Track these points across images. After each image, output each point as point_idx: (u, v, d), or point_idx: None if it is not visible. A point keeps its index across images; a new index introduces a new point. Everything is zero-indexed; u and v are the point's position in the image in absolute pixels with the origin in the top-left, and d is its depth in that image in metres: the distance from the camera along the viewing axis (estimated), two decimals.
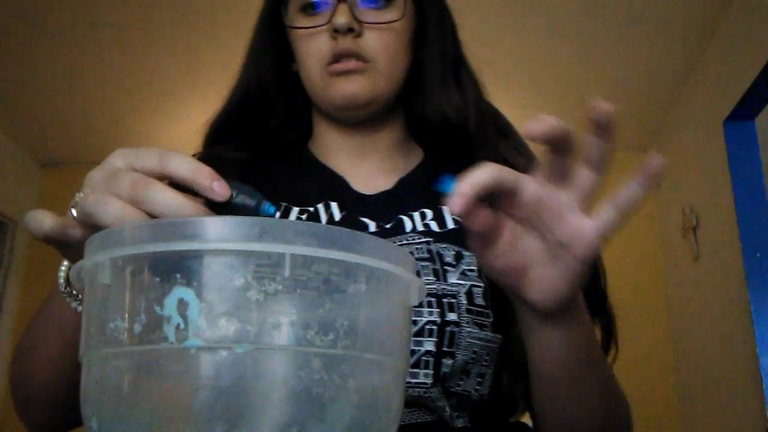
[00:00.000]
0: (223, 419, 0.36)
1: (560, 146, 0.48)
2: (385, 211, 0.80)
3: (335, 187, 0.83)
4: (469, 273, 0.74)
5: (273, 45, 0.86)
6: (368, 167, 0.86)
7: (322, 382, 0.36)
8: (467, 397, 0.71)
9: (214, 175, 0.45)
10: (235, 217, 0.37)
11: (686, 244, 3.29)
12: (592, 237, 0.50)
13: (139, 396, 0.38)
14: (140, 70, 3.21)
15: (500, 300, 0.73)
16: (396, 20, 0.80)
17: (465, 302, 0.71)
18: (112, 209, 0.43)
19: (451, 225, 0.79)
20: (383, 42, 0.79)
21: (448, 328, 0.69)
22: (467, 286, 0.72)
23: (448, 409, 0.70)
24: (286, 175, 0.86)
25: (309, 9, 0.81)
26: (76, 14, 2.83)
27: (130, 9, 2.81)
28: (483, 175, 0.48)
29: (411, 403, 0.69)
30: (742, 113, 2.75)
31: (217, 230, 0.37)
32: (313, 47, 0.80)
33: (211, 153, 0.87)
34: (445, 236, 0.77)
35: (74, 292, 0.56)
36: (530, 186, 0.50)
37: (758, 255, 2.63)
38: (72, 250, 0.48)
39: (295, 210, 0.79)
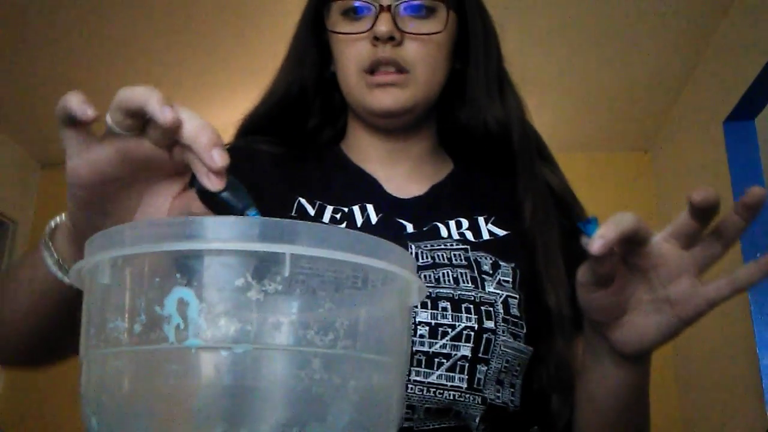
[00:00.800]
0: (223, 419, 0.36)
1: (705, 216, 0.53)
2: (420, 215, 0.81)
3: (370, 189, 0.84)
4: (504, 283, 0.75)
5: (314, 47, 0.87)
6: (400, 172, 0.87)
7: (322, 382, 0.37)
8: (505, 409, 0.72)
9: (217, 142, 0.43)
10: (235, 217, 0.37)
11: None
12: (703, 304, 0.54)
13: (139, 396, 0.38)
14: (141, 71, 3.21)
15: (533, 312, 0.75)
16: (438, 32, 0.79)
17: (501, 311, 0.72)
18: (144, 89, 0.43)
19: (486, 236, 0.80)
20: (423, 52, 0.79)
21: (485, 335, 0.70)
22: (503, 296, 0.73)
23: (477, 419, 0.70)
24: (319, 173, 0.86)
25: (351, 13, 0.81)
26: (76, 15, 2.83)
27: (132, 10, 2.81)
28: (627, 222, 0.51)
29: (441, 410, 0.69)
30: (742, 113, 2.75)
31: (217, 230, 0.37)
32: (353, 52, 0.80)
33: (242, 144, 0.87)
34: (480, 246, 0.78)
35: (53, 249, 0.55)
36: (660, 242, 0.54)
37: (758, 255, 2.62)
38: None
39: (329, 209, 0.80)
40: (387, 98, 0.79)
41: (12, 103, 3.52)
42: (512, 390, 0.74)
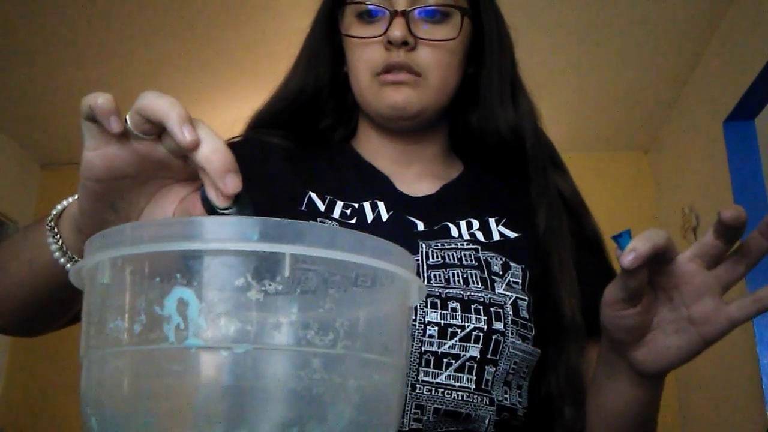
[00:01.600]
0: (223, 419, 0.36)
1: (732, 235, 0.54)
2: (431, 214, 0.81)
3: (381, 186, 0.83)
4: (514, 285, 0.75)
5: (328, 47, 0.86)
6: (411, 172, 0.87)
7: (322, 382, 0.36)
8: (514, 411, 0.72)
9: (231, 167, 0.43)
10: (236, 217, 0.37)
11: (686, 244, 3.29)
12: (726, 324, 0.55)
13: (139, 396, 0.38)
14: (141, 71, 3.21)
15: (541, 315, 0.75)
16: (451, 39, 0.79)
17: (511, 313, 0.72)
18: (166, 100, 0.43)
19: (497, 237, 0.80)
20: (436, 57, 0.79)
21: (494, 337, 0.70)
22: (513, 298, 0.73)
23: (486, 421, 0.70)
24: (330, 168, 0.86)
25: (366, 16, 0.80)
26: (76, 15, 2.83)
27: (131, 10, 2.81)
28: (659, 238, 0.53)
29: (451, 412, 0.69)
30: (742, 113, 2.75)
31: (217, 230, 0.37)
32: (366, 55, 0.80)
33: (254, 135, 0.87)
34: (491, 246, 0.78)
35: (56, 230, 0.56)
36: (684, 261, 0.55)
37: None
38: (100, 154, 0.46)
39: (340, 204, 0.80)
40: (399, 96, 0.78)
41: (12, 103, 3.52)
42: (519, 391, 0.74)
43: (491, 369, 0.70)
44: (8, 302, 0.66)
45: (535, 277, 0.77)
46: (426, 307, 0.70)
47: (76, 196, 0.53)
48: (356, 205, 0.80)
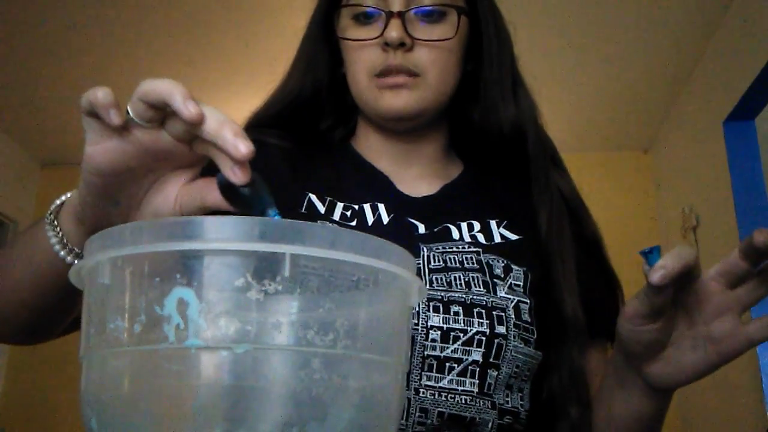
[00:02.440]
0: (223, 419, 0.36)
1: (760, 258, 0.54)
2: (431, 215, 0.80)
3: (381, 187, 0.83)
4: (516, 287, 0.75)
5: (325, 49, 0.86)
6: (411, 172, 0.86)
7: (322, 382, 0.36)
8: (517, 414, 0.72)
9: (241, 134, 0.44)
10: (236, 217, 0.37)
11: (686, 244, 3.29)
12: (744, 343, 0.56)
13: (139, 396, 0.38)
14: (141, 70, 3.21)
15: (543, 318, 0.75)
16: (448, 38, 0.79)
17: (513, 317, 0.72)
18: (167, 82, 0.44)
19: (498, 239, 0.79)
20: (434, 57, 0.78)
21: (496, 340, 0.70)
22: (515, 301, 0.73)
23: (490, 425, 0.70)
24: (330, 169, 0.85)
25: (362, 18, 0.80)
26: (76, 15, 2.83)
27: (132, 10, 2.81)
28: (690, 257, 0.53)
29: (455, 416, 0.69)
30: (742, 113, 2.75)
31: (217, 230, 0.37)
32: (363, 58, 0.79)
33: (252, 136, 0.86)
34: (492, 249, 0.77)
35: (56, 224, 0.56)
36: (707, 279, 0.56)
37: None
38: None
39: (340, 206, 0.79)
40: (397, 101, 0.78)
41: (12, 103, 3.52)
42: (521, 394, 0.74)
43: (493, 373, 0.70)
44: (8, 307, 0.65)
45: (536, 279, 0.76)
46: (428, 311, 0.70)
47: (76, 190, 0.54)
48: (356, 207, 0.80)
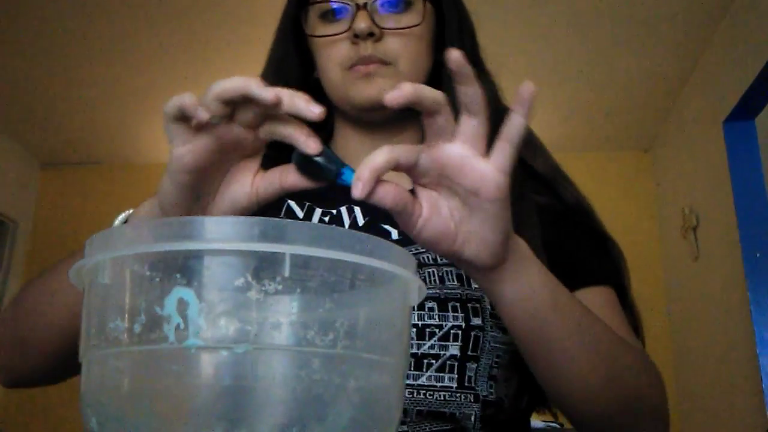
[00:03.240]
0: (223, 419, 0.36)
1: (426, 108, 0.52)
2: None
3: None
4: None
5: (295, 53, 0.86)
6: (390, 172, 0.85)
7: (322, 382, 0.36)
8: (500, 405, 0.72)
9: (311, 100, 0.50)
10: (235, 217, 0.37)
11: (686, 244, 3.29)
12: (494, 174, 0.52)
13: (139, 396, 0.38)
14: (141, 70, 3.21)
15: None
16: (415, 25, 0.79)
17: (489, 307, 0.72)
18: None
19: None
20: (403, 45, 0.79)
21: (473, 333, 0.70)
22: None
23: (472, 418, 0.70)
24: None
25: (329, 16, 0.81)
26: (76, 15, 2.83)
27: (131, 10, 2.81)
28: (378, 158, 0.50)
29: (434, 413, 0.69)
30: (742, 113, 2.75)
31: (217, 230, 0.37)
32: (334, 53, 0.80)
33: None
34: None
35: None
36: (423, 153, 0.52)
37: (758, 255, 2.62)
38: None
39: (318, 211, 0.80)
40: (371, 89, 0.78)
41: (12, 103, 3.52)
42: (506, 384, 0.73)
43: (473, 365, 0.70)
44: (40, 345, 0.66)
45: None
46: None
47: (146, 202, 0.59)
48: (334, 212, 0.80)
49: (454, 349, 0.70)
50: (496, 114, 0.83)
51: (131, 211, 0.62)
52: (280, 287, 0.36)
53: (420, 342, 0.69)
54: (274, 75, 0.87)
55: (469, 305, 0.71)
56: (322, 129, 0.91)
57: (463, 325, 0.70)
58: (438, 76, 0.85)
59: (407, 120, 0.86)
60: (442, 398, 0.69)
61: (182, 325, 0.36)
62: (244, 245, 0.36)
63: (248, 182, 0.57)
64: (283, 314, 0.36)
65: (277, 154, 0.61)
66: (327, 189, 0.81)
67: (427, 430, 0.69)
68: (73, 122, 3.71)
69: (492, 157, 0.52)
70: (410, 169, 0.53)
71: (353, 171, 0.50)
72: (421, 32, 0.81)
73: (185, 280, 0.36)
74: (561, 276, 0.69)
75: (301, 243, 0.36)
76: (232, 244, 0.36)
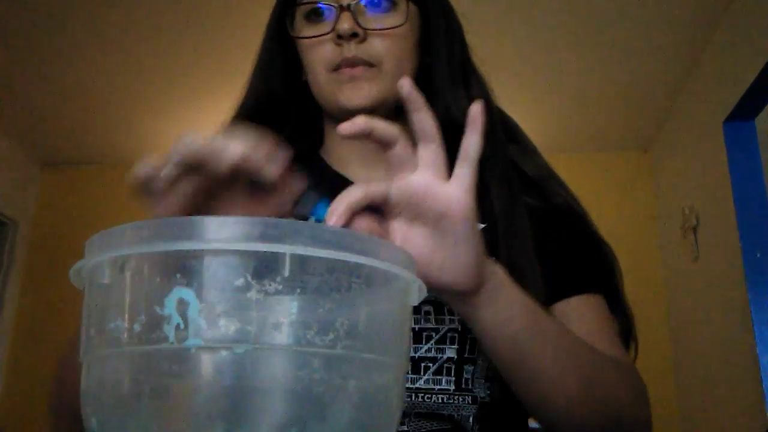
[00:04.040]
0: (223, 419, 0.36)
1: (380, 141, 0.54)
2: None
3: None
4: None
5: (282, 56, 0.86)
6: (380, 175, 0.85)
7: (322, 382, 0.37)
8: (497, 406, 0.72)
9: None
10: (235, 218, 0.37)
11: (686, 244, 3.29)
12: (458, 194, 0.53)
13: (139, 396, 0.38)
14: (141, 70, 3.21)
15: None
16: (399, 25, 0.79)
17: None
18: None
19: None
20: (388, 45, 0.79)
21: (469, 336, 0.70)
22: None
23: (471, 420, 0.70)
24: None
25: (314, 16, 0.81)
26: (76, 15, 2.83)
27: (131, 10, 2.81)
28: (353, 194, 0.52)
29: (432, 414, 0.69)
30: (742, 113, 2.75)
31: (217, 230, 0.37)
32: (319, 54, 0.80)
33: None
34: None
35: None
36: (392, 188, 0.55)
37: (758, 255, 2.62)
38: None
39: (312, 220, 0.79)
40: (358, 94, 0.78)
41: (12, 103, 3.52)
42: (504, 386, 0.73)
43: (470, 368, 0.70)
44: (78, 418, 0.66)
45: (505, 267, 0.75)
46: None
47: None
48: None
49: (451, 352, 0.70)
50: (489, 112, 0.82)
51: None
52: (280, 287, 0.36)
53: (417, 345, 0.70)
54: (262, 78, 0.87)
55: None
56: (312, 133, 0.90)
57: (460, 328, 0.70)
58: (427, 78, 0.85)
59: (393, 122, 0.85)
60: (440, 400, 0.69)
61: (182, 325, 0.36)
62: (244, 245, 0.36)
63: (234, 210, 0.56)
64: (283, 314, 0.36)
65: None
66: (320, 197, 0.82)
67: (427, 428, 0.69)
68: (73, 122, 3.71)
69: (453, 179, 0.55)
70: (383, 204, 0.54)
71: (327, 207, 0.51)
72: (405, 33, 0.81)
73: (185, 280, 0.36)
74: (548, 283, 0.70)
75: (301, 243, 0.36)
76: (232, 244, 0.36)
